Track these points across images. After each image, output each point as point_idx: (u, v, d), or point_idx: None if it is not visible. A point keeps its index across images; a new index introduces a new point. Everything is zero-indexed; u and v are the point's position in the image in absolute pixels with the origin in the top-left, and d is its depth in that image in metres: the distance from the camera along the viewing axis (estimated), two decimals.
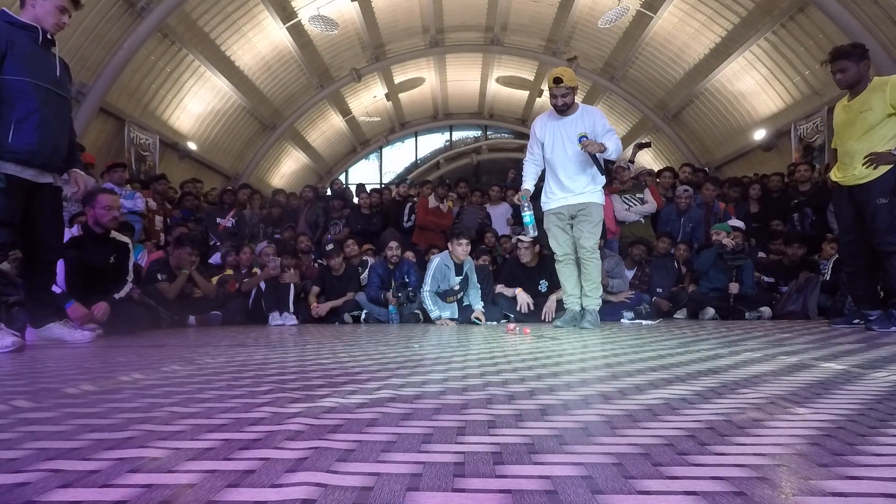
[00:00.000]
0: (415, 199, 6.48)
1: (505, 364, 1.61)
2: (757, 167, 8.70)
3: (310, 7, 9.05)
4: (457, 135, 16.65)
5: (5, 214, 2.29)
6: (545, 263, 4.62)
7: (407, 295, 4.76)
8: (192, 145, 9.67)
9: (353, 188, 7.68)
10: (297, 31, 9.75)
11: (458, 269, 4.37)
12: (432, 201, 6.14)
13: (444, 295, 4.32)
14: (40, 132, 2.33)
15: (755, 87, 8.88)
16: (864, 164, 2.98)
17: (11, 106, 2.27)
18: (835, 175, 3.27)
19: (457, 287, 4.32)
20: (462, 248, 4.28)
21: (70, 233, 3.29)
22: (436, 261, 4.33)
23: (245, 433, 0.80)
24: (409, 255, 5.23)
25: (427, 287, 4.26)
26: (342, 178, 15.06)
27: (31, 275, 2.66)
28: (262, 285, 4.78)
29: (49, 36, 2.44)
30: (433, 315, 4.22)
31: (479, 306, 4.29)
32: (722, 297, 4.56)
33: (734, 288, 4.50)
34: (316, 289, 4.93)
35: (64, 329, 2.72)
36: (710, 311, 4.55)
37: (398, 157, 16.61)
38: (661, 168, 6.95)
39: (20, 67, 2.29)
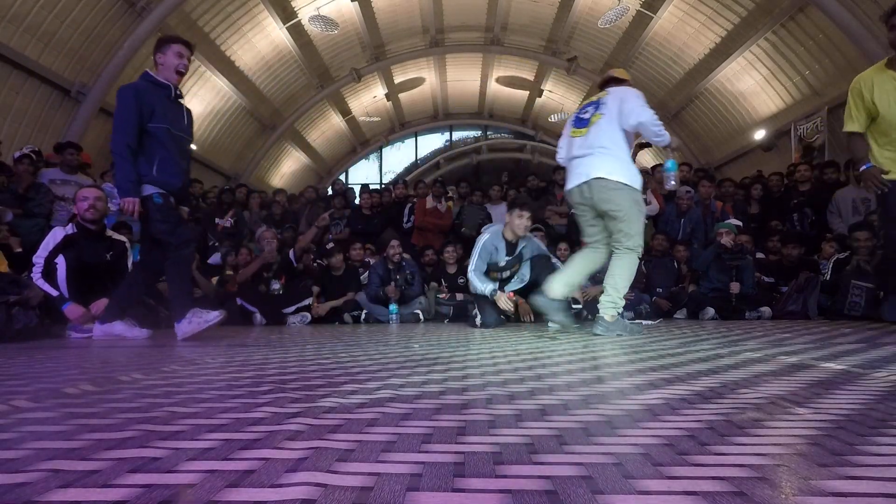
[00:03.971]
0: (414, 199, 6.48)
1: (505, 364, 1.61)
2: (757, 167, 8.71)
3: (310, 7, 9.05)
4: (457, 135, 16.64)
5: (188, 234, 2.97)
6: (547, 261, 4.62)
7: (406, 278, 4.72)
8: (191, 145, 9.67)
9: (355, 189, 7.68)
10: (297, 31, 9.75)
11: (510, 248, 3.82)
12: (430, 202, 6.13)
13: (487, 272, 3.85)
14: (175, 169, 2.88)
15: (755, 87, 8.88)
16: None
17: (155, 148, 2.81)
18: (883, 159, 2.89)
19: (502, 264, 3.81)
20: (522, 220, 3.70)
21: (65, 231, 3.31)
22: (484, 238, 3.80)
23: (245, 433, 0.80)
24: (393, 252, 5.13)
25: (472, 266, 3.77)
26: (342, 177, 15.07)
27: (128, 283, 3.08)
28: (278, 286, 4.72)
29: (178, 92, 2.99)
30: (487, 290, 3.67)
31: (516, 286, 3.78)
32: (722, 297, 4.56)
33: (735, 288, 4.51)
34: (316, 289, 4.93)
35: (125, 326, 2.98)
36: (710, 311, 4.55)
37: (398, 157, 16.60)
38: (655, 164, 6.96)
39: (160, 118, 2.83)
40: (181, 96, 3.04)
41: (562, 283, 2.94)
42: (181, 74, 2.95)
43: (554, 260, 4.02)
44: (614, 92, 3.03)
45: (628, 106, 2.86)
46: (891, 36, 2.73)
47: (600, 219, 2.98)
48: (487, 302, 3.74)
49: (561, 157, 3.21)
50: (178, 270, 2.88)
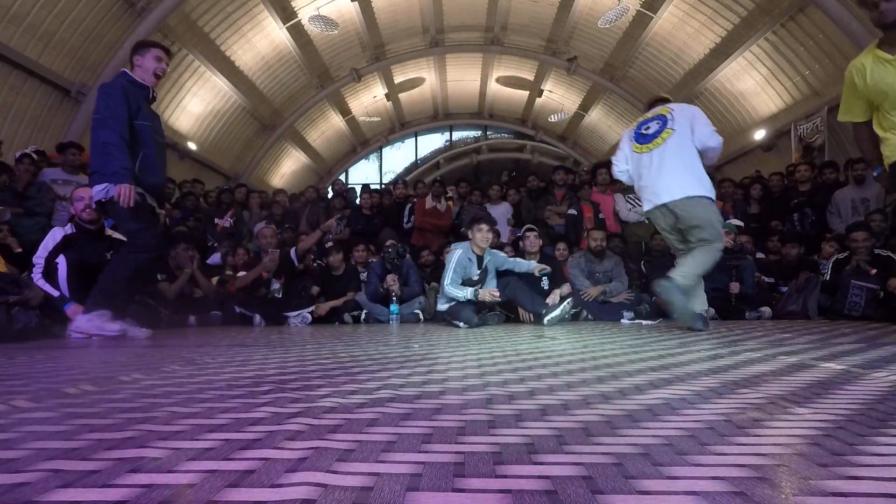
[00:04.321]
0: (414, 199, 6.48)
1: (505, 364, 1.61)
2: (757, 167, 8.71)
3: (310, 7, 9.06)
4: (457, 135, 16.64)
5: (151, 241, 2.85)
6: (546, 262, 4.62)
7: (397, 251, 4.73)
8: (192, 145, 9.67)
9: (356, 189, 7.69)
10: (297, 31, 9.75)
11: (479, 261, 4.05)
12: (429, 202, 6.13)
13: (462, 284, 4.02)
14: (156, 168, 2.88)
15: (755, 87, 8.88)
16: None
17: (139, 146, 2.80)
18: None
19: (475, 278, 3.99)
20: (482, 234, 3.92)
21: (64, 231, 3.31)
22: (457, 252, 3.97)
23: (245, 433, 0.80)
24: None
25: (447, 280, 3.92)
26: (342, 177, 15.07)
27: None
28: (277, 286, 4.65)
29: (154, 94, 3.00)
30: (469, 294, 3.81)
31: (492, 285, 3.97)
32: (722, 297, 4.56)
33: (735, 288, 4.51)
34: (316, 289, 4.93)
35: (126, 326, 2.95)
36: (711, 310, 4.55)
37: (398, 157, 16.60)
38: None
39: (144, 117, 2.83)
40: (155, 99, 3.08)
41: (681, 274, 2.94)
42: (158, 78, 2.99)
43: (517, 267, 4.20)
44: (679, 108, 3.13)
45: (703, 129, 3.04)
46: (872, 15, 2.54)
47: (679, 231, 3.13)
48: (461, 304, 3.84)
49: (620, 170, 3.30)
50: (121, 269, 2.79)
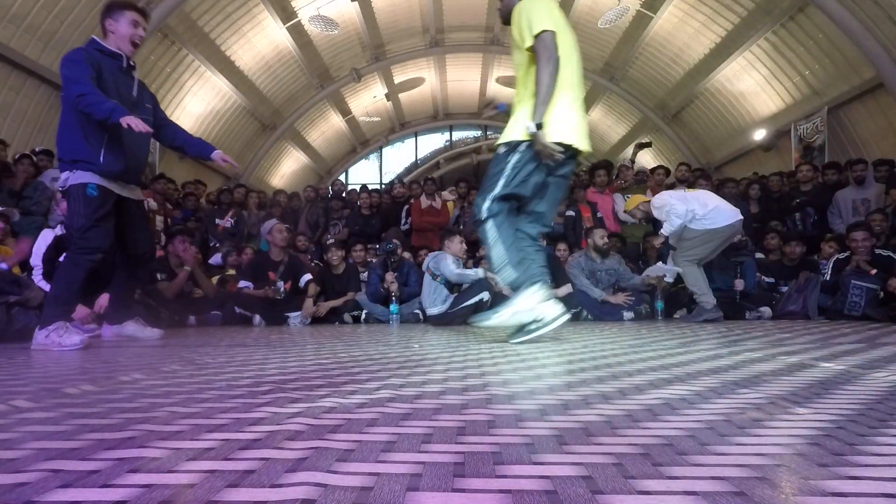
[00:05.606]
0: (411, 200, 6.46)
1: (505, 364, 1.61)
2: (757, 167, 8.71)
3: (310, 7, 9.06)
4: (457, 135, 16.63)
5: (99, 242, 2.50)
6: (548, 261, 4.61)
7: (385, 248, 4.77)
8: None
9: (356, 188, 7.69)
10: (297, 31, 9.75)
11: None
12: (424, 201, 6.10)
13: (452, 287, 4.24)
14: (121, 154, 2.52)
15: (755, 87, 8.88)
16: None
17: (100, 128, 2.45)
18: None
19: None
20: (455, 245, 4.22)
21: (55, 233, 3.30)
22: (448, 258, 4.20)
23: (245, 433, 0.80)
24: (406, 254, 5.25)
25: (454, 269, 4.13)
26: (342, 178, 15.07)
27: (122, 278, 2.86)
28: (283, 289, 4.61)
29: (131, 63, 2.64)
30: (479, 273, 4.05)
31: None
32: (723, 296, 4.56)
33: (740, 285, 4.52)
34: (316, 288, 4.93)
35: (137, 327, 2.86)
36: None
37: (398, 157, 16.59)
38: (655, 166, 6.96)
39: (109, 91, 2.45)
40: (134, 67, 2.68)
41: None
42: (136, 46, 2.60)
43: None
44: None
45: None
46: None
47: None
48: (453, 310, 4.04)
49: (681, 217, 4.04)
50: (68, 272, 2.49)
